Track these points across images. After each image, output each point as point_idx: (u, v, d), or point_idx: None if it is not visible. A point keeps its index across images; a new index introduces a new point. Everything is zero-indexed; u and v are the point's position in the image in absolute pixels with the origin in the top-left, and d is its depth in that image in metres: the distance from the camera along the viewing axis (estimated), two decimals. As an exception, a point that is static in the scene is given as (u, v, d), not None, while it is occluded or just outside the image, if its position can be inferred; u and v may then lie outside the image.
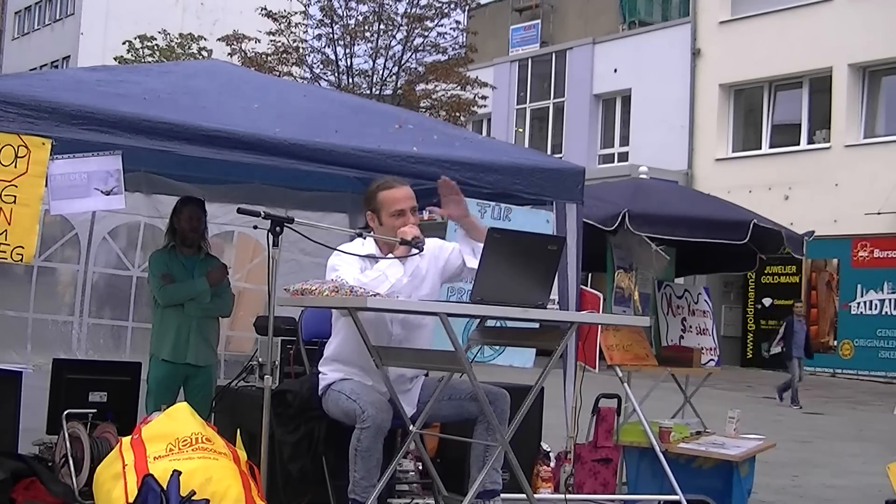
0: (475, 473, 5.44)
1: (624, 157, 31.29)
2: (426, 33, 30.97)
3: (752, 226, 7.99)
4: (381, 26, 30.47)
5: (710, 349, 9.06)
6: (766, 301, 27.75)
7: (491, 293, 4.98)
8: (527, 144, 33.11)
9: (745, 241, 8.04)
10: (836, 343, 26.43)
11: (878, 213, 24.76)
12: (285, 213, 7.12)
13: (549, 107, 34.51)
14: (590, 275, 12.29)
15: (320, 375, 5.63)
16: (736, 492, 7.44)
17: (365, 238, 5.61)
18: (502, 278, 5.02)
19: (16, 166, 5.43)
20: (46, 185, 5.54)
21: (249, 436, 5.58)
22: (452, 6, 30.97)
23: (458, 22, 32.22)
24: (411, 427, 5.38)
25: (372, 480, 5.21)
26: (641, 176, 8.89)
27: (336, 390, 5.47)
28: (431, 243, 5.69)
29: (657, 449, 7.43)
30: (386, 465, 5.37)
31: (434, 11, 30.56)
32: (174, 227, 7.55)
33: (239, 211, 5.53)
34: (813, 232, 8.94)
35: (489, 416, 5.28)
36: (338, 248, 5.56)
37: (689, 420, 8.44)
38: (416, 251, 5.43)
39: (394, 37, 30.85)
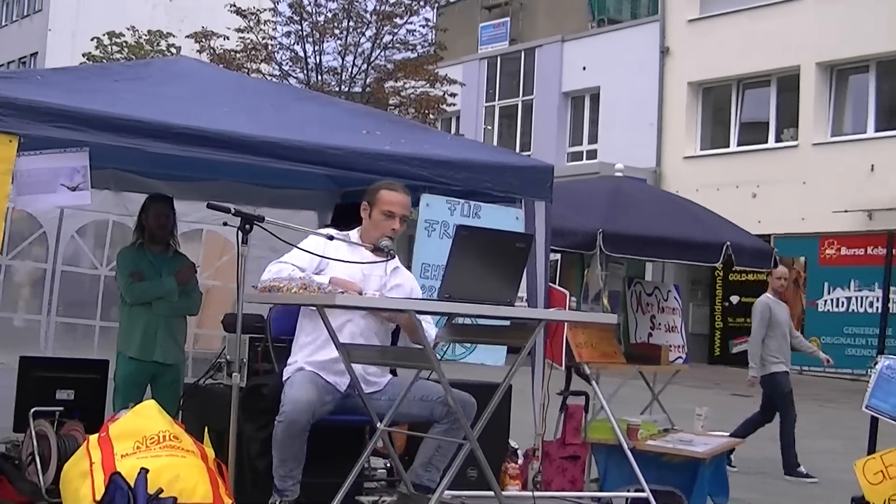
0: (417, 467, 5.62)
1: (593, 154, 31.31)
2: (395, 31, 30.89)
3: (724, 248, 8.09)
4: (351, 23, 30.37)
5: (679, 347, 9.10)
6: (734, 299, 27.80)
7: (459, 290, 4.98)
8: (496, 142, 33.07)
9: (718, 263, 8.13)
10: (803, 340, 26.50)
11: (846, 211, 24.86)
12: (255, 210, 7.09)
13: (517, 104, 34.48)
14: (558, 271, 12.28)
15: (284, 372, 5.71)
16: (699, 488, 7.48)
17: (333, 239, 5.71)
18: (471, 276, 5.02)
19: (-19, 164, 5.40)
20: (13, 183, 5.51)
21: (217, 433, 5.58)
22: (422, 3, 30.90)
23: (427, 19, 32.20)
24: (379, 424, 5.39)
25: (288, 471, 5.34)
26: (617, 174, 8.91)
27: (288, 382, 5.57)
28: (408, 276, 5.98)
29: (625, 446, 7.46)
30: (354, 462, 5.39)
31: (403, 9, 30.48)
32: (142, 225, 7.51)
33: (209, 206, 5.52)
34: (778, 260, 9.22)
35: (462, 423, 5.25)
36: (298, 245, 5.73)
37: (657, 417, 8.48)
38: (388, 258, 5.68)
39: (363, 34, 30.74)
